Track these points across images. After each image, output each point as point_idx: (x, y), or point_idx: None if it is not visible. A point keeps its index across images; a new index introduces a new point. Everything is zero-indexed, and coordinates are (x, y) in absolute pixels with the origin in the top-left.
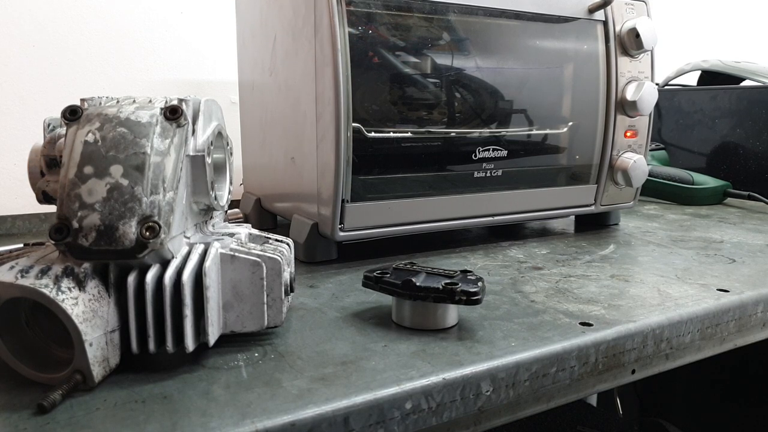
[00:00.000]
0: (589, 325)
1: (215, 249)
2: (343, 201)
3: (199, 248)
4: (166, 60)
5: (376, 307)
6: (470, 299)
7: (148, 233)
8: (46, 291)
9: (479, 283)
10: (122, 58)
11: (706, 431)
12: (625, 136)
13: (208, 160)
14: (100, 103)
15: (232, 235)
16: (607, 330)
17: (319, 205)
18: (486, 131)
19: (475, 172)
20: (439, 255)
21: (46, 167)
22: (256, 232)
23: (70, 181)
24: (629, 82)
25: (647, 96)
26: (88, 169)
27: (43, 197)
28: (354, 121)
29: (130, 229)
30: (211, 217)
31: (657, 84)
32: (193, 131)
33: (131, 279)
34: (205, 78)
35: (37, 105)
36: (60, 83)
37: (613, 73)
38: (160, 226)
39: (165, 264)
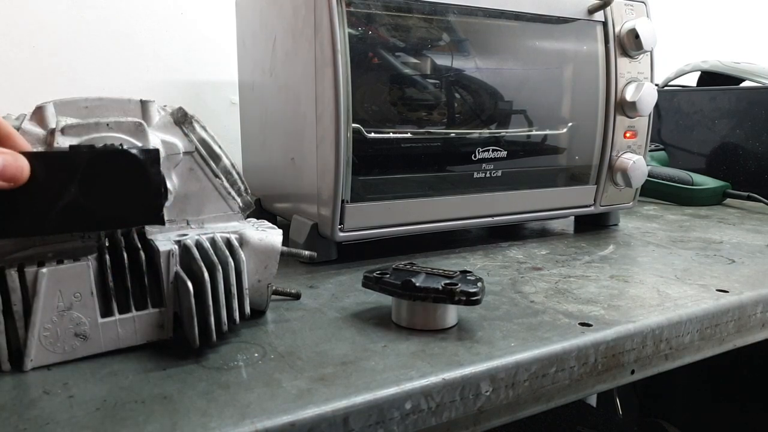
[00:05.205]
0: (589, 325)
1: None
2: (342, 201)
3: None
4: (167, 61)
5: (376, 308)
6: (470, 300)
7: None
8: None
9: (479, 284)
10: (122, 58)
11: (706, 431)
12: (625, 136)
13: None
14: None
15: None
16: (606, 330)
17: (319, 206)
18: (486, 132)
19: (475, 173)
20: (438, 255)
21: None
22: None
23: None
24: (629, 82)
25: (647, 97)
26: None
27: None
28: (354, 122)
29: None
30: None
31: (656, 85)
32: None
33: None
34: (206, 78)
35: None
36: (60, 84)
37: (612, 73)
38: None
39: None
